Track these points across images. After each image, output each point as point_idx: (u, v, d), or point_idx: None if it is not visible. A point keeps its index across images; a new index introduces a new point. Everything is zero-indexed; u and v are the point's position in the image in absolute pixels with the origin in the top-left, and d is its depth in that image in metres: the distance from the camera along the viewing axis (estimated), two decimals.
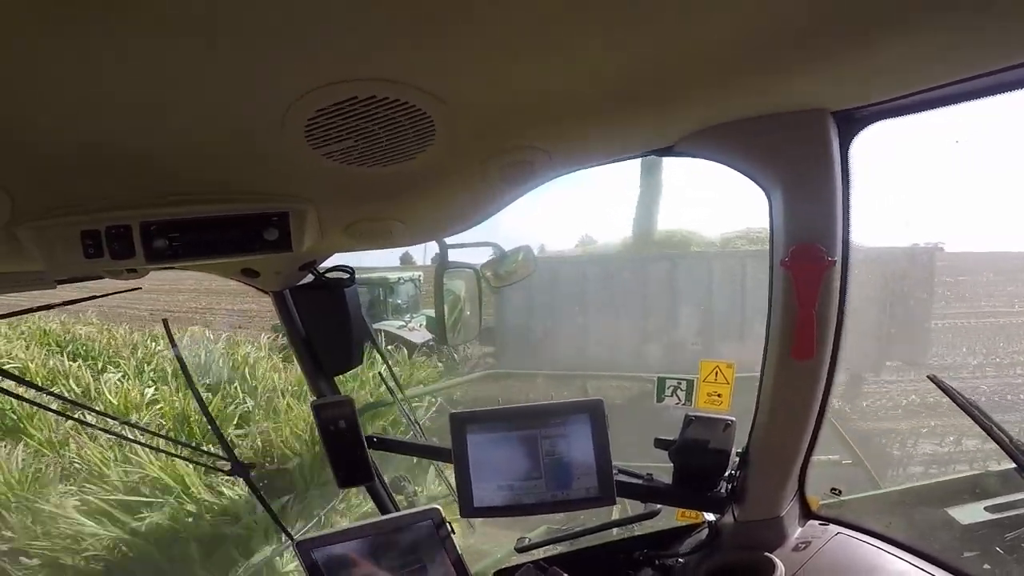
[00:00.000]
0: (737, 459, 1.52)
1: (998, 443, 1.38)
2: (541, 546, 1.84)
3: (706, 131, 1.13)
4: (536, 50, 0.76)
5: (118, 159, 0.91)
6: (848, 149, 1.14)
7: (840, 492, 1.80)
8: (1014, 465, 1.35)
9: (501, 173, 1.11)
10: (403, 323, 12.51)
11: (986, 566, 2.80)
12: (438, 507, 1.55)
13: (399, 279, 13.24)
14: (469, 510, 1.42)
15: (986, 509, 2.98)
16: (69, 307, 1.71)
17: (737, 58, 0.84)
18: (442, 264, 2.19)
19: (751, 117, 1.08)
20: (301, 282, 1.72)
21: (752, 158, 1.15)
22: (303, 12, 0.63)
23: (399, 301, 13.04)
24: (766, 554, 1.45)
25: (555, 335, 10.49)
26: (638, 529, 1.83)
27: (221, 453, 1.86)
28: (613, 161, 1.27)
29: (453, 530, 1.55)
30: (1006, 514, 2.92)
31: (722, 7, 0.71)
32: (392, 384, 2.09)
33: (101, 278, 1.37)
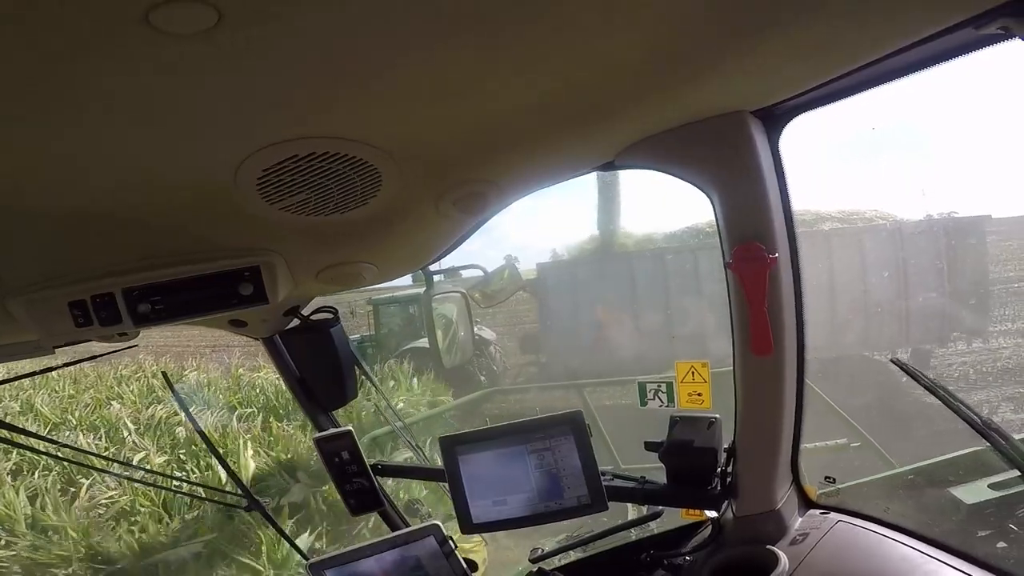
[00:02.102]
0: (726, 455, 1.52)
1: (968, 423, 1.37)
2: (554, 555, 1.85)
3: (640, 143, 1.17)
4: (460, 93, 0.81)
5: (96, 227, 0.98)
6: (777, 145, 1.18)
7: (834, 480, 1.77)
8: (987, 444, 1.35)
9: (456, 207, 1.16)
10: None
11: (1001, 544, 2.77)
12: (438, 523, 1.59)
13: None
14: (468, 527, 1.46)
15: (990, 487, 2.94)
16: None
17: (648, 71, 0.89)
18: (427, 290, 2.25)
19: (678, 126, 1.13)
20: (288, 327, 1.78)
21: (686, 164, 1.20)
22: (234, 86, 0.69)
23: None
24: (768, 547, 1.45)
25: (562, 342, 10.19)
26: (647, 530, 1.86)
27: (236, 490, 1.90)
28: (560, 180, 1.32)
29: (456, 545, 1.60)
30: (1011, 491, 2.88)
31: (622, 25, 0.75)
32: (388, 412, 2.13)
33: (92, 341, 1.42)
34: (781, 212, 1.20)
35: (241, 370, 10.56)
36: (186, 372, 11.45)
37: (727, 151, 1.16)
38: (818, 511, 1.55)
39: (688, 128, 1.14)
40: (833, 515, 1.51)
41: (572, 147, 1.15)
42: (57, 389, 10.90)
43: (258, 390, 9.68)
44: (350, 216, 1.08)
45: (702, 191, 1.24)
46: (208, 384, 10.31)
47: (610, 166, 1.26)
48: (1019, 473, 1.39)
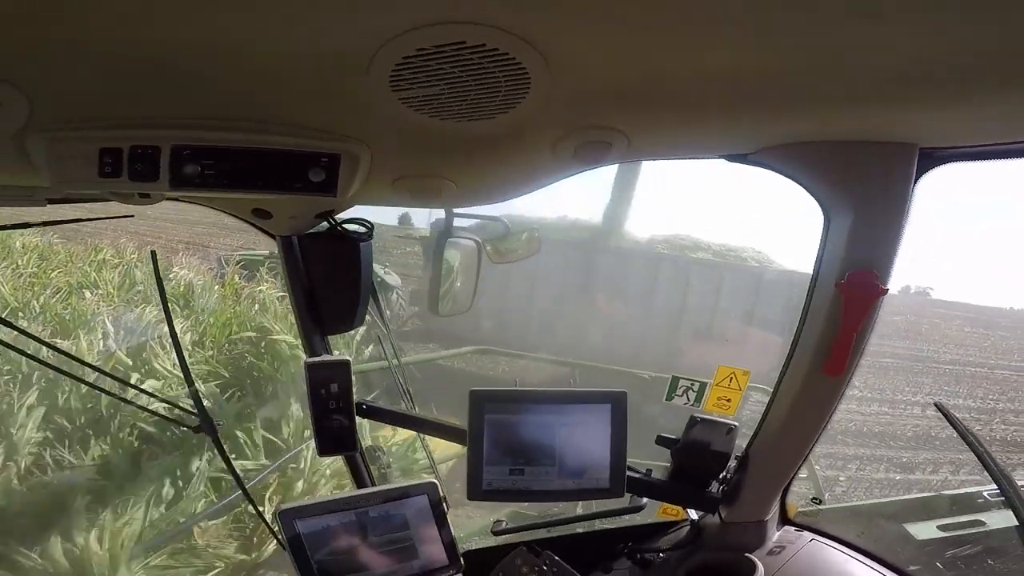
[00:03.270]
0: (735, 463, 1.54)
1: (987, 470, 1.51)
2: (519, 531, 1.82)
3: (790, 146, 1.13)
4: (660, 29, 0.71)
5: (166, 68, 0.80)
6: (918, 183, 1.15)
7: (821, 501, 1.88)
8: (976, 489, 1.52)
9: (575, 151, 1.06)
10: None
11: None
12: (435, 482, 1.49)
13: None
14: (477, 492, 1.37)
15: (939, 528, 3.19)
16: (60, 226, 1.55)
17: (854, 83, 0.83)
18: (445, 231, 2.10)
19: (839, 141, 1.09)
20: (313, 230, 1.61)
21: (828, 180, 1.17)
22: None
23: None
24: (747, 555, 1.49)
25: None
26: (619, 521, 1.82)
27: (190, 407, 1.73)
28: (685, 158, 1.26)
29: (448, 507, 1.50)
30: (954, 533, 3.13)
31: (865, 36, 0.71)
32: (389, 349, 2.00)
33: (100, 200, 1.24)
34: (897, 248, 1.20)
35: (237, 278, 9.35)
36: (174, 269, 10.01)
37: (880, 179, 1.13)
38: (793, 528, 1.63)
39: (846, 145, 1.10)
40: (807, 533, 1.60)
41: (724, 128, 1.08)
42: (20, 264, 9.30)
43: (258, 306, 8.56)
44: (467, 127, 0.96)
45: (823, 207, 1.23)
46: (202, 288, 9.03)
47: (743, 159, 1.22)
48: (1016, 523, 1.53)
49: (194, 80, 0.83)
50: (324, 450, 1.69)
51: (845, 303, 1.19)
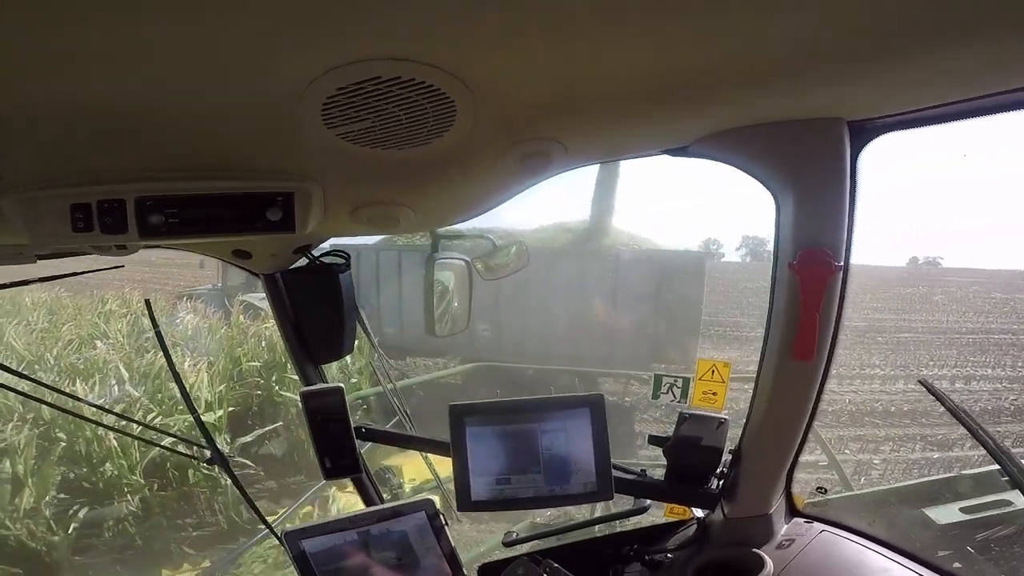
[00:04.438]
0: (729, 456, 1.53)
1: (983, 445, 1.45)
2: (529, 540, 1.82)
3: (724, 133, 1.14)
4: (570, 39, 0.74)
5: (116, 127, 0.86)
6: (858, 158, 1.16)
7: (826, 491, 1.83)
8: (997, 467, 1.43)
9: (517, 164, 1.09)
10: None
11: (956, 565, 2.90)
12: (432, 499, 1.52)
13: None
14: (466, 504, 1.40)
15: (961, 510, 3.10)
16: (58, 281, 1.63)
17: (770, 64, 0.85)
18: (433, 254, 2.15)
19: (769, 123, 1.10)
20: (294, 265, 1.67)
21: (767, 162, 1.18)
22: None
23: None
24: (755, 550, 1.47)
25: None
26: (627, 524, 1.83)
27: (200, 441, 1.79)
28: (626, 158, 1.29)
29: (447, 522, 1.53)
30: (979, 515, 3.05)
31: (767, 15, 0.71)
32: (384, 372, 2.05)
33: (85, 254, 1.30)
34: (847, 224, 1.20)
35: (242, 317, 9.86)
36: (180, 314, 10.66)
37: (815, 156, 1.13)
38: (803, 519, 1.59)
39: (779, 126, 1.11)
40: (817, 524, 1.55)
41: (655, 124, 1.11)
42: (31, 320, 9.93)
43: (264, 343, 9.09)
44: (407, 154, 0.99)
45: (770, 190, 1.22)
46: (210, 330, 9.63)
47: (683, 152, 1.23)
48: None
49: (146, 133, 0.89)
50: (329, 474, 1.76)
51: (801, 283, 1.19)
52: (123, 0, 0.59)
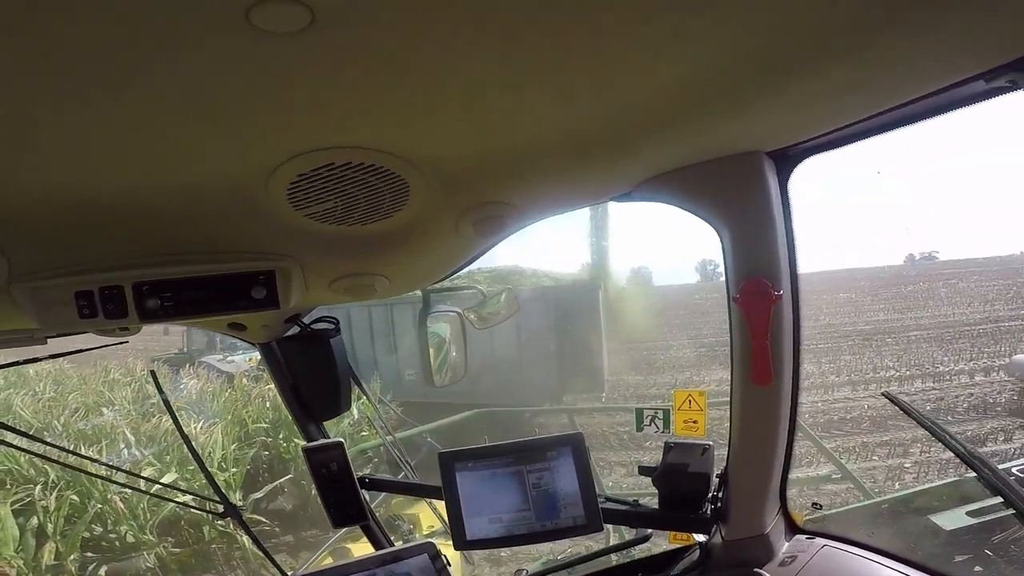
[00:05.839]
0: (718, 480, 1.55)
1: (955, 452, 1.46)
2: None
3: (658, 177, 1.22)
4: (486, 106, 0.82)
5: (111, 219, 0.97)
6: (787, 185, 1.23)
7: (821, 506, 1.80)
8: (974, 474, 1.42)
9: (474, 228, 1.17)
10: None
11: (978, 568, 2.86)
12: (432, 541, 1.57)
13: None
14: (462, 543, 1.46)
15: (968, 514, 3.06)
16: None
17: (681, 106, 0.92)
18: (424, 309, 2.24)
19: (696, 163, 1.18)
20: (287, 333, 1.76)
21: (700, 201, 1.24)
22: (284, 88, 0.70)
23: None
24: (756, 570, 1.48)
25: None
26: (633, 553, 1.86)
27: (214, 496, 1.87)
28: (577, 208, 1.36)
29: (449, 563, 1.58)
30: (987, 518, 3.01)
31: (670, 58, 0.76)
32: (382, 424, 2.12)
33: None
34: (786, 250, 1.25)
35: (244, 380, 10.19)
36: (183, 380, 10.90)
37: (740, 190, 1.20)
38: (804, 536, 1.58)
39: (705, 166, 1.18)
40: (819, 540, 1.55)
41: (593, 176, 1.18)
42: (37, 391, 10.18)
43: (268, 403, 9.36)
44: (372, 228, 1.09)
45: (712, 226, 1.28)
46: (212, 395, 9.87)
47: (627, 197, 1.30)
48: (1000, 500, 1.48)
49: (135, 221, 0.99)
50: (336, 522, 1.84)
51: (745, 314, 1.24)
52: (94, 97, 0.67)
